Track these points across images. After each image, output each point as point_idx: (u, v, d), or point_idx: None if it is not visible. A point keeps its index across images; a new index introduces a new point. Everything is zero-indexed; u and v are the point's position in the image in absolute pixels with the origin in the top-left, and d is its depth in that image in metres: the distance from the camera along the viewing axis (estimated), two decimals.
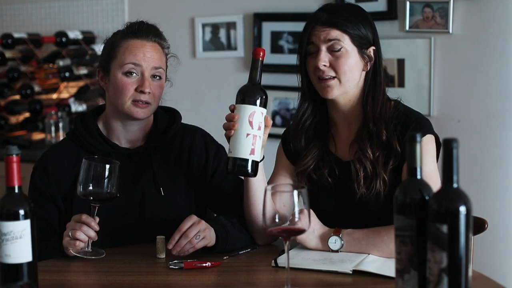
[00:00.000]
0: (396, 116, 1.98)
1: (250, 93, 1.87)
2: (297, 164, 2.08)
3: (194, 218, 1.91)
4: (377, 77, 2.00)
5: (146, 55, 2.07)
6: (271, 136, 3.63)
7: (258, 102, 1.86)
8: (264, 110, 1.87)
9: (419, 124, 1.96)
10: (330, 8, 2.02)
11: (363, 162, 1.96)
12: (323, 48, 1.96)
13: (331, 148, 2.07)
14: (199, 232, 1.89)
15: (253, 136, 1.84)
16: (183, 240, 1.88)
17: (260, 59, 1.89)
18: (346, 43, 1.95)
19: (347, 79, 1.96)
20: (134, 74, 2.06)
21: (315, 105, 2.07)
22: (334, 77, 1.96)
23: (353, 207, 1.98)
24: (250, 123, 1.84)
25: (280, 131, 3.63)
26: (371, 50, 2.00)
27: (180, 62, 2.23)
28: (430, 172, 1.87)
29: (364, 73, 2.01)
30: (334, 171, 2.03)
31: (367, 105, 1.99)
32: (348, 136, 2.05)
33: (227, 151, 1.89)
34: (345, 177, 2.01)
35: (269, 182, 2.13)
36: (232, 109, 1.89)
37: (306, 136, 2.08)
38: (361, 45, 1.97)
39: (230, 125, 1.86)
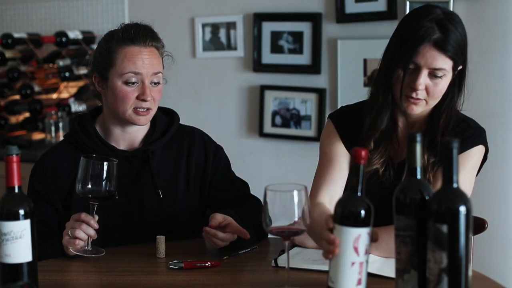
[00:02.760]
0: (455, 121, 1.96)
1: (353, 210, 1.48)
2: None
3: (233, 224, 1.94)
4: (460, 93, 1.94)
5: (145, 62, 2.05)
6: (273, 136, 3.66)
7: (362, 221, 1.48)
8: (369, 229, 1.49)
9: (476, 132, 1.95)
10: (442, 24, 1.85)
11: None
12: (425, 71, 1.85)
13: (392, 151, 2.00)
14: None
15: (360, 264, 1.49)
16: (220, 236, 1.91)
17: (362, 164, 1.48)
18: (448, 69, 1.87)
19: (434, 102, 1.91)
20: (135, 83, 2.06)
21: (387, 109, 1.96)
22: (424, 99, 1.90)
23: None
24: (355, 249, 1.48)
25: (280, 131, 3.70)
26: (461, 67, 1.92)
27: (176, 61, 2.20)
28: (465, 185, 1.78)
29: None
30: (390, 173, 1.98)
31: (440, 117, 1.93)
32: (403, 136, 1.99)
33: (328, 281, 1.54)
34: (398, 178, 1.95)
35: (319, 179, 2.00)
36: (331, 228, 1.54)
37: (374, 139, 1.97)
38: (457, 67, 1.90)
39: (329, 249, 1.52)
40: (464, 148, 1.88)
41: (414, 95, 1.87)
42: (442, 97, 1.92)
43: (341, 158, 1.99)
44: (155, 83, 2.08)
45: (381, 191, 1.94)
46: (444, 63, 1.85)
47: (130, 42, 2.06)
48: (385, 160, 1.97)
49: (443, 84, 1.88)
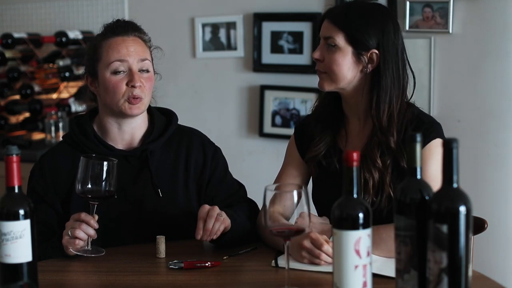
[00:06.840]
0: (409, 118, 1.98)
1: (351, 213, 1.45)
2: (309, 149, 2.08)
3: (207, 206, 1.93)
4: (381, 83, 1.96)
5: (129, 50, 2.06)
6: (273, 136, 3.66)
7: (362, 223, 1.45)
8: (369, 231, 1.47)
9: (431, 127, 1.97)
10: (342, 5, 2.09)
11: (372, 172, 1.95)
12: (322, 42, 2.00)
13: (342, 141, 2.06)
14: (218, 214, 1.91)
15: (363, 267, 1.45)
16: (209, 221, 1.89)
17: (355, 166, 1.46)
18: (339, 41, 1.95)
19: (336, 77, 1.97)
20: (122, 71, 2.06)
21: (331, 96, 2.08)
22: (325, 72, 1.99)
23: None
24: (357, 252, 1.45)
25: (280, 131, 3.69)
26: (372, 53, 1.96)
27: (164, 53, 2.21)
28: (434, 175, 1.84)
29: (363, 74, 1.98)
30: (334, 161, 2.04)
31: (371, 111, 1.97)
32: (359, 132, 2.04)
33: (333, 285, 1.49)
34: None
35: (277, 178, 2.14)
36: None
37: (322, 123, 2.08)
38: (357, 45, 1.95)
39: (315, 254, 1.80)
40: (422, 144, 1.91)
41: (316, 66, 2.02)
42: (370, 88, 1.98)
43: (294, 163, 2.13)
44: (143, 70, 2.08)
45: (337, 176, 1.98)
46: (333, 33, 1.96)
47: (112, 33, 2.09)
48: (327, 146, 2.05)
49: (336, 55, 1.96)
